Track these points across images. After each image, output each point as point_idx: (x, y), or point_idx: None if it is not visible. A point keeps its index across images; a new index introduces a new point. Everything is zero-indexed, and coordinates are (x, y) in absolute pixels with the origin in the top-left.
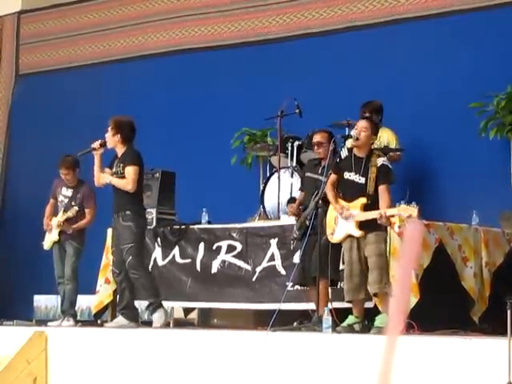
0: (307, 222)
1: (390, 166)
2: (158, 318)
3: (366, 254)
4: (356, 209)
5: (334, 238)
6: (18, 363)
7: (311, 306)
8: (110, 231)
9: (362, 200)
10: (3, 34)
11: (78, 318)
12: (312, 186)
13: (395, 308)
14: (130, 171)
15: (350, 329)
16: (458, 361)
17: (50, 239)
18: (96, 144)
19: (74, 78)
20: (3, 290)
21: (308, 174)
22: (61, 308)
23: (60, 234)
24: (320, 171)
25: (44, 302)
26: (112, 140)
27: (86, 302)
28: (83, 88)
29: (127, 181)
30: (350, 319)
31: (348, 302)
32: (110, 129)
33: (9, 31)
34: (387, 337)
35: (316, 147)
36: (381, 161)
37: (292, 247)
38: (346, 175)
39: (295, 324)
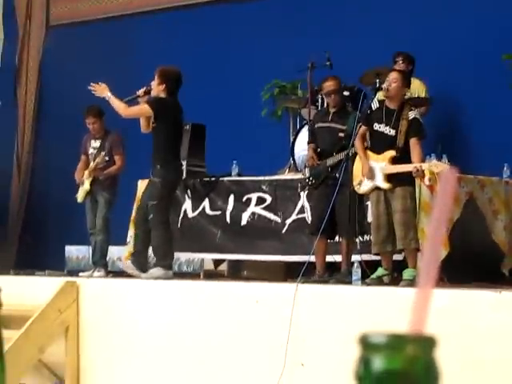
0: (329, 172)
1: (421, 121)
2: (153, 271)
3: (392, 209)
4: (384, 161)
5: (361, 190)
6: (50, 312)
7: (335, 257)
8: (140, 182)
9: (391, 152)
10: None
11: (109, 268)
12: (326, 136)
13: (427, 261)
14: (141, 105)
15: (379, 281)
16: (488, 313)
17: (82, 190)
18: (141, 91)
19: (104, 30)
20: (35, 240)
21: (320, 125)
22: (92, 259)
23: (92, 184)
24: (330, 119)
25: (75, 252)
26: (157, 89)
27: (118, 253)
28: (113, 40)
29: (126, 106)
30: (379, 271)
31: (376, 254)
32: (156, 77)
33: None
34: (419, 290)
35: (329, 95)
36: (412, 114)
37: (302, 191)
38: (376, 126)
39: (325, 276)
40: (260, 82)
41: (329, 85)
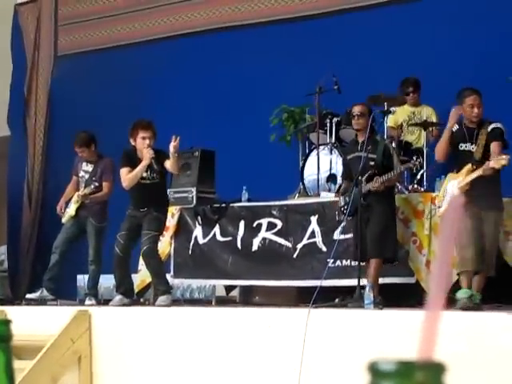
0: (361, 201)
1: (502, 129)
2: (162, 299)
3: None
4: (461, 176)
5: (440, 211)
6: (63, 342)
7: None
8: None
9: (468, 166)
10: (41, 15)
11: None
12: (356, 165)
13: (436, 285)
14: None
15: (469, 302)
16: (502, 335)
17: (68, 214)
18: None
19: (112, 59)
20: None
21: (350, 156)
22: (87, 285)
23: (78, 209)
24: (359, 148)
25: (87, 281)
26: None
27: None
28: (121, 68)
29: (175, 163)
30: (464, 292)
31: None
32: (152, 134)
33: (47, 13)
34: (428, 313)
35: (356, 118)
36: (492, 125)
37: (338, 219)
38: (462, 147)
39: (337, 300)
40: (268, 107)
41: (357, 109)
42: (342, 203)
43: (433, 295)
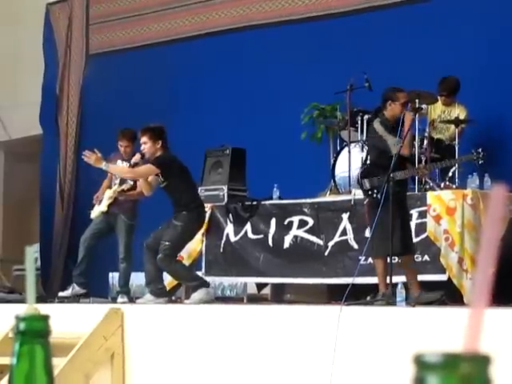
0: (374, 194)
1: None
2: (195, 295)
3: None
4: None
5: None
6: (95, 339)
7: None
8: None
9: None
10: (73, 14)
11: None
12: (377, 146)
13: (480, 280)
14: (147, 165)
15: None
16: None
17: (98, 209)
18: (136, 158)
19: (143, 57)
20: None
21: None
22: (118, 284)
23: (109, 206)
24: (391, 132)
25: (118, 279)
26: (154, 148)
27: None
28: (152, 67)
29: (130, 169)
30: None
31: None
32: (147, 138)
33: (78, 12)
34: (472, 310)
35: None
36: None
37: (365, 204)
38: None
39: (368, 298)
40: (299, 105)
41: (405, 96)
42: (369, 186)
43: (477, 291)
